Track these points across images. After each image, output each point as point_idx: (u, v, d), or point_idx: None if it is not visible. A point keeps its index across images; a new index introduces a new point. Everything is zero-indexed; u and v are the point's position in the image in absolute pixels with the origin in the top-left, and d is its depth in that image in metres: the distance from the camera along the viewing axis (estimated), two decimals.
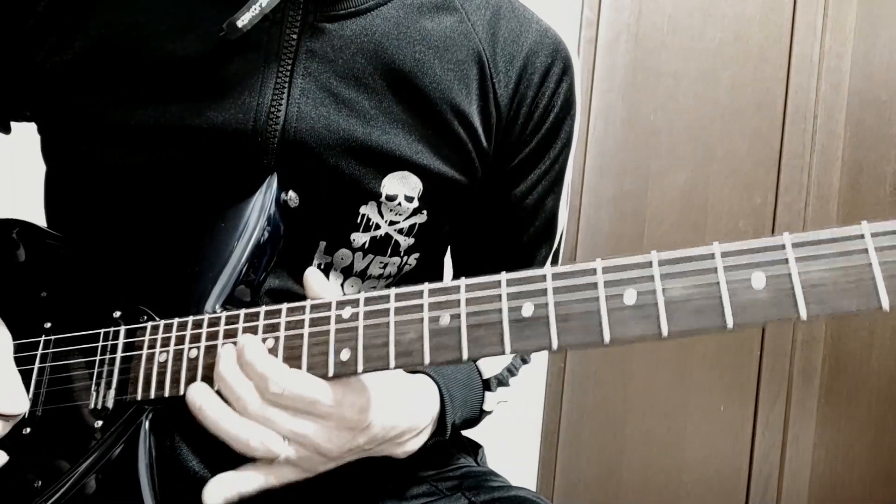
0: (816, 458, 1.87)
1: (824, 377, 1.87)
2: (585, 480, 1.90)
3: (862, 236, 0.50)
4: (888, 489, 1.84)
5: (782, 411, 1.87)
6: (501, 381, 0.85)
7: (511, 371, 0.87)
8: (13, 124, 0.90)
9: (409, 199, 0.80)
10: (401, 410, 0.70)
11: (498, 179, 0.87)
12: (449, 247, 0.96)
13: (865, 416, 1.86)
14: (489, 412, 0.85)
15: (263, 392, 0.63)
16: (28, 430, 0.73)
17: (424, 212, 0.82)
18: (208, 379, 0.67)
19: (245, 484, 0.65)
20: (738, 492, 1.87)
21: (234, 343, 0.66)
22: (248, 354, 0.64)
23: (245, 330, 0.67)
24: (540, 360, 0.94)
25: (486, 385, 0.84)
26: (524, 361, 0.91)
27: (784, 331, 1.86)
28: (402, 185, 0.79)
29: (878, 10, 1.86)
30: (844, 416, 1.86)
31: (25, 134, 0.89)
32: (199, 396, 0.65)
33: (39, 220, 0.87)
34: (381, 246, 0.82)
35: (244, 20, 0.72)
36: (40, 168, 0.88)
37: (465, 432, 0.94)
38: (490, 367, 0.84)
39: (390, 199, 0.79)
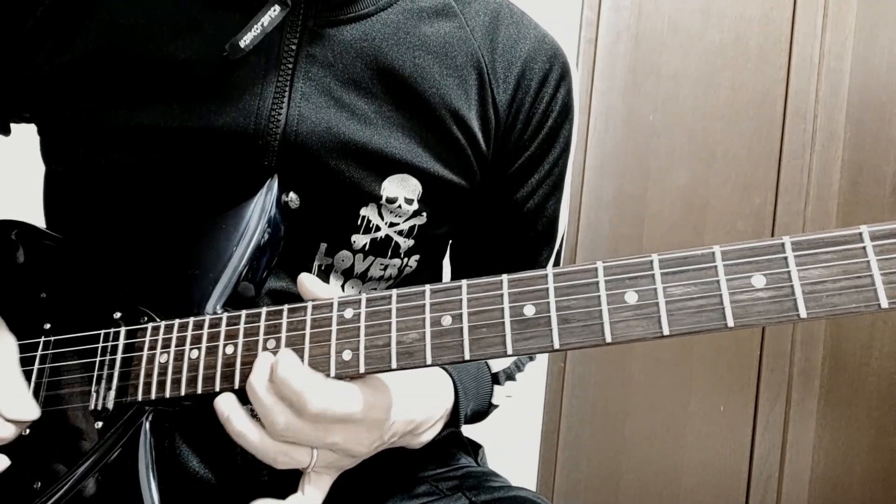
0: (816, 458, 1.87)
1: (824, 377, 1.87)
2: (585, 480, 1.90)
3: (861, 238, 0.51)
4: (888, 490, 1.84)
5: (782, 412, 1.87)
6: (509, 376, 0.86)
7: (518, 367, 0.89)
8: (13, 126, 0.90)
9: (409, 202, 0.80)
10: (418, 403, 0.71)
11: (498, 184, 0.87)
12: (447, 250, 0.96)
13: (865, 417, 1.86)
14: (497, 406, 0.86)
15: (301, 411, 0.61)
16: (28, 431, 0.73)
17: (424, 214, 0.82)
18: (209, 379, 0.67)
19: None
20: (738, 492, 1.87)
21: (273, 352, 0.65)
22: (282, 371, 0.62)
23: (246, 331, 0.67)
24: (540, 360, 0.96)
25: (495, 379, 0.84)
26: (531, 358, 0.92)
27: (784, 331, 1.86)
28: (401, 188, 0.80)
29: (878, 11, 1.86)
30: (844, 416, 1.86)
31: (25, 135, 0.89)
32: (227, 407, 0.64)
33: (39, 221, 0.87)
34: (382, 247, 0.82)
35: (246, 40, 0.73)
36: (40, 169, 0.88)
37: (465, 432, 0.94)
38: (499, 360, 0.85)
39: (390, 201, 0.79)
